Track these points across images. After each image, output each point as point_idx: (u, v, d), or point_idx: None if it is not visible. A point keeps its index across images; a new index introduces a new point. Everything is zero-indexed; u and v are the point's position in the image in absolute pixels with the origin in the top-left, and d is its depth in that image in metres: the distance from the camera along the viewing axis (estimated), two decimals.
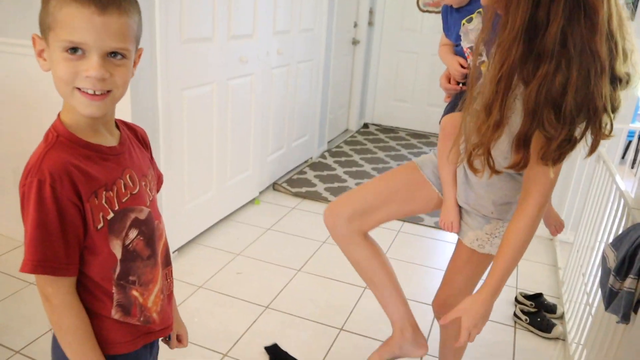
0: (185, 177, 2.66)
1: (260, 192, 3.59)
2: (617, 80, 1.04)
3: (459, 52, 1.55)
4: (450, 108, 1.55)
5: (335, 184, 3.87)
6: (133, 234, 0.99)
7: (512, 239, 1.20)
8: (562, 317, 2.45)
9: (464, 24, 1.47)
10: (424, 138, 5.32)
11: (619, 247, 1.50)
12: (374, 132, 5.46)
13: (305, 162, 4.31)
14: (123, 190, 0.96)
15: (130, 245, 0.99)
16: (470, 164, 1.16)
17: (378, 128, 5.60)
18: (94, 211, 0.89)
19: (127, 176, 0.97)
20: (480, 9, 1.40)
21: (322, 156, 4.51)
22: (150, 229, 1.04)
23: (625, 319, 1.41)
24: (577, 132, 1.05)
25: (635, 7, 3.03)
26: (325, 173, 4.10)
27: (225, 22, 2.72)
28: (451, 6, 1.55)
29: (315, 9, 3.90)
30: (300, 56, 3.80)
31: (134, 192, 0.99)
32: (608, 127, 1.07)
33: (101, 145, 0.93)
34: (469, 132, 1.15)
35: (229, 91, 2.88)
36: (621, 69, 1.03)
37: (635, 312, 1.38)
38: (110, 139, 0.96)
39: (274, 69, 3.42)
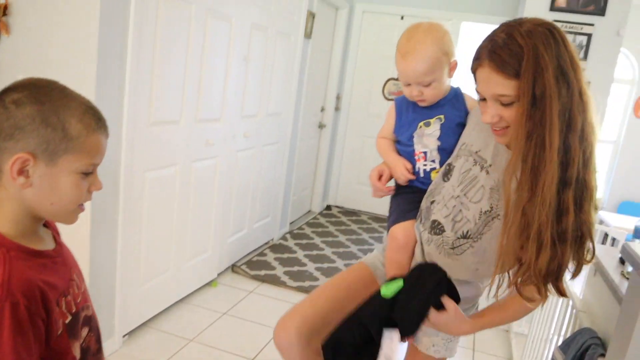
0: (142, 257, 2.61)
1: (219, 274, 3.53)
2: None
3: (405, 152, 1.44)
4: (398, 215, 1.41)
5: (295, 268, 3.85)
6: (85, 332, 0.98)
7: (517, 306, 1.24)
8: None
9: (421, 126, 1.39)
10: (385, 222, 5.39)
11: (567, 351, 1.54)
12: (336, 214, 5.52)
13: (266, 243, 4.30)
14: (76, 291, 0.95)
15: (84, 344, 0.97)
16: (522, 292, 1.12)
17: (340, 210, 5.67)
18: (56, 319, 0.88)
19: (75, 275, 0.97)
20: (441, 116, 1.35)
21: (284, 238, 4.51)
22: (96, 324, 1.04)
23: None
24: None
25: (586, 55, 3.28)
26: (285, 256, 4.08)
27: (194, 106, 2.79)
28: (413, 104, 1.41)
29: (284, 94, 4.04)
30: (267, 139, 3.89)
31: (82, 290, 0.98)
32: (590, 252, 1.11)
33: (48, 250, 0.92)
34: (510, 257, 1.09)
35: (192, 173, 2.91)
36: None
37: None
38: (48, 240, 0.96)
39: (239, 152, 3.48)
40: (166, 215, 2.76)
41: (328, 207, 5.73)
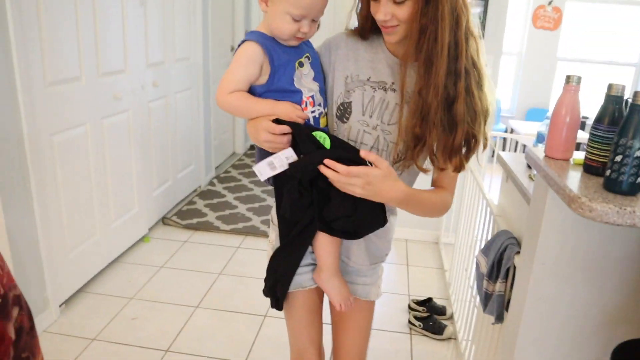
0: (64, 224, 2.51)
1: (150, 229, 3.47)
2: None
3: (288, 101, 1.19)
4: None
5: (227, 212, 3.85)
6: (16, 311, 0.95)
7: (437, 196, 1.28)
8: (451, 317, 2.65)
9: (297, 67, 1.21)
10: None
11: (488, 254, 1.67)
12: None
13: (194, 191, 4.24)
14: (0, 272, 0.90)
15: (16, 324, 0.94)
16: (417, 161, 1.23)
17: None
18: None
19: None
20: (307, 54, 1.24)
21: (211, 183, 4.47)
22: (25, 301, 1.00)
23: (499, 319, 1.56)
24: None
25: (484, 26, 3.38)
26: (215, 201, 4.06)
27: (94, 59, 2.61)
28: (278, 43, 1.19)
29: (189, 37, 3.86)
30: (178, 86, 3.75)
31: (6, 271, 0.94)
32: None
33: None
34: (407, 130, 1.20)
35: (104, 130, 2.77)
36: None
37: (507, 311, 1.53)
38: None
39: (151, 102, 3.34)
40: (83, 177, 2.64)
41: (252, 147, 5.69)
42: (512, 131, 5.35)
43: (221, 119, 4.91)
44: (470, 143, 1.22)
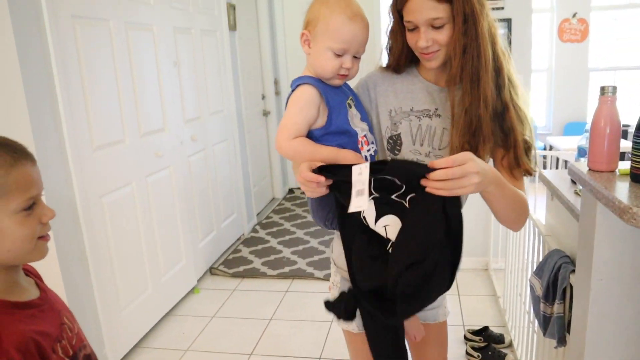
0: (117, 281, 2.58)
1: (199, 280, 3.52)
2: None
3: (345, 142, 1.17)
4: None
5: (272, 257, 3.87)
6: None
7: (521, 193, 1.22)
8: (510, 344, 2.56)
9: (349, 107, 1.21)
10: None
11: (541, 275, 1.63)
12: (299, 195, 5.55)
13: (238, 239, 4.30)
14: (69, 334, 0.94)
15: None
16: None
17: (303, 191, 5.69)
18: None
19: (65, 318, 0.96)
20: (351, 95, 1.24)
21: (254, 230, 4.52)
22: (95, 359, 1.04)
23: (562, 342, 1.51)
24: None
25: (510, 46, 3.39)
26: (259, 247, 4.10)
27: (135, 121, 2.74)
28: (328, 85, 1.19)
29: (221, 90, 4.00)
30: (215, 138, 3.86)
31: (76, 332, 0.98)
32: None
33: (34, 299, 0.91)
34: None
35: (148, 188, 2.87)
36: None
37: (569, 333, 1.48)
38: (31, 289, 0.94)
39: (190, 157, 3.44)
40: (132, 235, 2.72)
41: (290, 191, 5.75)
42: (550, 148, 5.24)
43: (258, 166, 5.01)
44: (527, 148, 1.25)
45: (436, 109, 1.27)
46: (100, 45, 2.47)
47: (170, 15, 3.17)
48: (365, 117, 1.27)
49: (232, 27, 4.16)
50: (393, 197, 1.09)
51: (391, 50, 1.30)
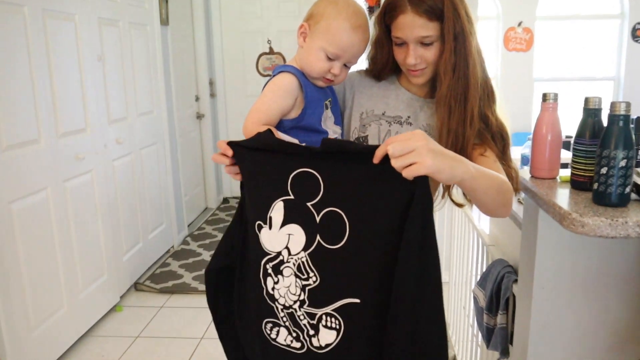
0: (27, 298, 2.46)
1: (122, 297, 3.41)
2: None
3: (312, 142, 1.15)
4: None
5: (203, 271, 3.80)
6: None
7: (500, 175, 1.17)
8: (454, 359, 2.63)
9: (326, 107, 1.25)
10: None
11: (485, 286, 1.69)
12: (235, 205, 5.48)
13: (167, 252, 4.20)
14: None
15: None
16: (451, 194, 1.28)
17: (239, 200, 5.65)
18: None
19: None
20: (330, 98, 1.28)
21: (185, 242, 4.43)
22: None
23: (505, 353, 1.57)
24: None
25: None
26: (190, 260, 4.02)
27: (52, 119, 2.63)
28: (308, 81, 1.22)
29: (151, 90, 3.92)
30: (143, 141, 3.77)
31: None
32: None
33: None
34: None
35: (66, 193, 2.76)
36: None
37: (512, 344, 1.54)
38: None
39: (115, 161, 3.34)
40: (46, 245, 2.60)
41: (225, 200, 5.69)
42: None
43: (191, 173, 4.93)
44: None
45: (408, 117, 1.31)
46: (12, 33, 2.36)
47: (95, 4, 3.08)
48: (339, 121, 1.30)
49: (164, 21, 4.10)
50: (308, 204, 1.06)
51: (374, 60, 1.34)
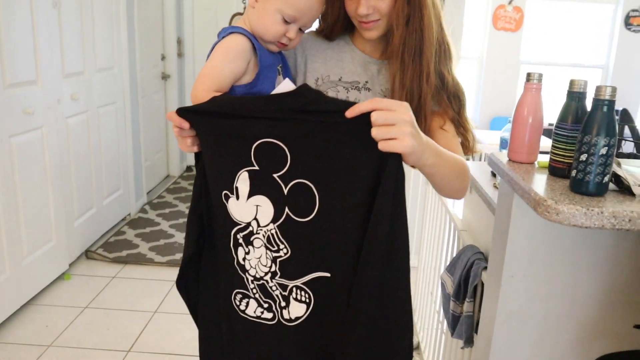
0: None
1: (71, 264, 3.36)
2: None
3: None
4: None
5: (162, 241, 3.77)
6: None
7: (457, 156, 1.19)
8: (418, 347, 2.67)
9: (279, 72, 1.24)
10: None
11: (453, 272, 1.70)
12: None
13: (123, 219, 4.15)
14: None
15: None
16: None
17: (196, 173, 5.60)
18: None
19: None
20: (281, 63, 1.25)
21: (143, 210, 4.38)
22: None
23: (469, 342, 1.59)
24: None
25: None
26: (148, 230, 3.98)
27: None
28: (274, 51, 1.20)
29: (112, 44, 3.81)
30: (101, 99, 3.68)
31: None
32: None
33: None
34: None
35: (13, 151, 2.68)
36: None
37: (477, 333, 1.56)
38: None
39: (69, 118, 3.26)
40: None
41: (189, 168, 5.63)
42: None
43: (153, 137, 4.85)
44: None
45: (366, 82, 1.29)
46: None
47: None
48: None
49: None
50: (275, 175, 1.04)
51: (325, 17, 1.29)
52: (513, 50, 6.26)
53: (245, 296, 1.13)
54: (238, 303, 1.14)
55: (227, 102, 1.05)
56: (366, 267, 1.00)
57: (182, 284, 1.20)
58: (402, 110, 0.94)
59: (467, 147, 1.28)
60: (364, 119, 0.93)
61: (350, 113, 0.94)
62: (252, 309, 1.13)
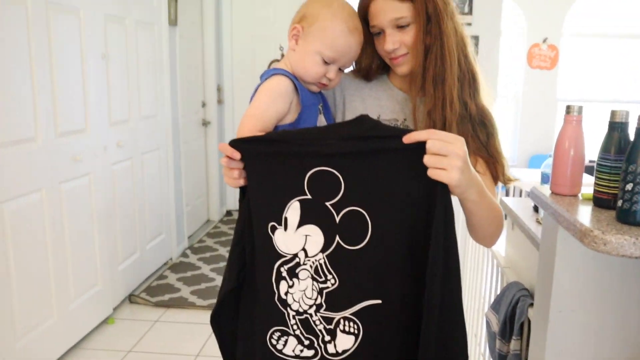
0: (15, 307, 2.45)
1: (115, 308, 3.40)
2: None
3: None
4: None
5: (203, 285, 3.80)
6: None
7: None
8: None
9: (320, 111, 1.27)
10: None
11: (498, 310, 1.67)
12: None
13: (165, 264, 4.20)
14: None
15: None
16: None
17: (241, 209, 5.65)
18: None
19: None
20: (322, 103, 1.29)
21: (184, 254, 4.43)
22: None
23: None
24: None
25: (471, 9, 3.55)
26: (189, 274, 4.01)
27: (51, 118, 2.65)
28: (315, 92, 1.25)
29: (155, 93, 3.95)
30: (145, 146, 3.79)
31: None
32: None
33: None
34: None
35: (62, 196, 2.77)
36: None
37: None
38: None
39: (114, 165, 3.36)
40: (38, 250, 2.61)
41: (228, 213, 5.69)
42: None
43: (194, 182, 4.94)
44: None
45: (404, 119, 1.31)
46: (13, 25, 2.39)
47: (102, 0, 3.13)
48: None
49: (173, 21, 4.14)
50: (327, 204, 1.05)
51: (359, 60, 1.33)
52: (549, 88, 6.22)
53: (284, 334, 1.11)
54: (275, 342, 1.12)
55: (282, 133, 1.08)
56: (431, 291, 1.00)
57: (216, 321, 1.19)
58: (457, 145, 0.97)
59: (496, 177, 1.28)
60: (419, 148, 0.97)
61: (407, 139, 0.98)
62: (290, 348, 1.11)
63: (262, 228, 1.10)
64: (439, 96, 1.21)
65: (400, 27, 1.21)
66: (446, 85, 1.21)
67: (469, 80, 1.26)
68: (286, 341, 1.11)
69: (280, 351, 1.12)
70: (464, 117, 1.24)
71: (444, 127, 1.21)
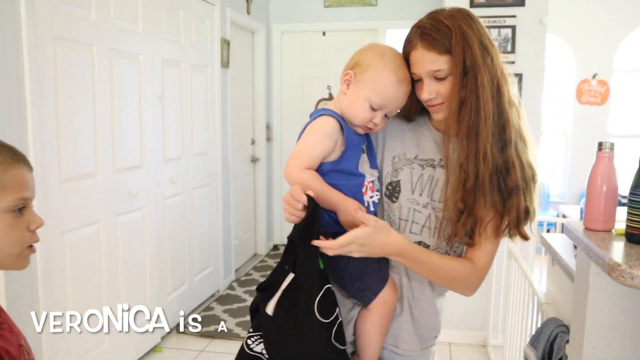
0: (71, 331, 2.57)
1: (162, 337, 3.49)
2: None
3: (350, 185, 1.28)
4: (375, 278, 1.33)
5: (248, 318, 3.85)
6: None
7: (458, 263, 1.30)
8: None
9: (364, 151, 1.33)
10: None
11: (537, 346, 1.66)
12: None
13: (212, 296, 4.29)
14: (27, 357, 0.98)
15: None
16: (461, 236, 1.29)
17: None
18: None
19: (22, 341, 1.00)
20: (367, 143, 1.35)
21: (230, 287, 4.52)
22: None
23: None
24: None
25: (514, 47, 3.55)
26: (235, 306, 4.09)
27: (110, 155, 2.81)
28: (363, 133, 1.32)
29: (208, 131, 4.11)
30: (196, 182, 3.93)
31: (32, 357, 1.02)
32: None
33: None
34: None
35: (117, 228, 2.91)
36: None
37: None
38: None
39: (167, 199, 3.50)
40: (93, 278, 2.74)
41: (275, 247, 5.77)
42: (563, 217, 5.33)
43: (242, 217, 5.06)
44: (525, 211, 1.28)
45: (441, 160, 1.35)
46: (80, 70, 2.58)
47: (160, 46, 3.31)
48: (375, 165, 1.37)
49: (225, 64, 4.33)
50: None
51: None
52: (600, 124, 6.10)
53: None
54: None
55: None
56: None
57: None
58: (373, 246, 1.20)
59: (497, 231, 1.29)
60: None
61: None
62: None
63: None
64: (472, 149, 1.24)
65: (438, 78, 1.25)
66: (480, 138, 1.23)
67: (509, 133, 1.26)
68: None
69: None
70: (499, 172, 1.25)
71: (476, 180, 1.23)
